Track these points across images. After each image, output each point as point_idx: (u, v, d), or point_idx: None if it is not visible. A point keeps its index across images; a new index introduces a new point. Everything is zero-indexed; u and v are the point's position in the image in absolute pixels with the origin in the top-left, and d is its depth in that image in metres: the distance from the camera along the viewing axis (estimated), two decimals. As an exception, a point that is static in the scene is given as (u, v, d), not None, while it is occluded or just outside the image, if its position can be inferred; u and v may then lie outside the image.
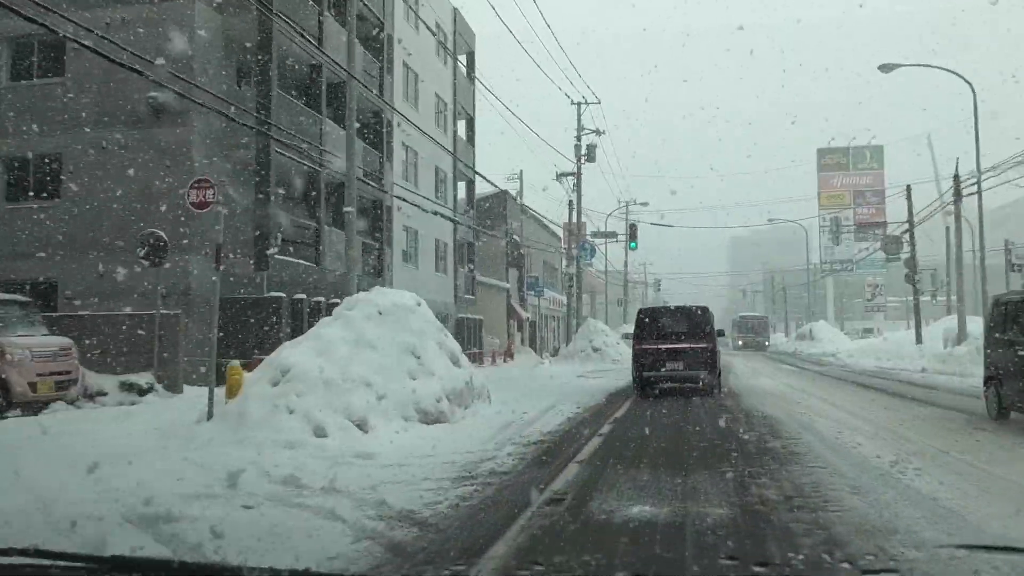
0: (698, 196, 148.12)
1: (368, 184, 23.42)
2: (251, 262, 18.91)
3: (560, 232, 49.14)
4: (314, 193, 21.87)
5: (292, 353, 10.56)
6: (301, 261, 20.49)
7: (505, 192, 40.32)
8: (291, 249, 20.29)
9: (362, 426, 9.56)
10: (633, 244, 43.58)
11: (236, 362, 11.29)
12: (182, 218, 17.71)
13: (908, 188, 36.75)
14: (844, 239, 60.53)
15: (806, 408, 13.78)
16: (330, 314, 12.74)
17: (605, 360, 31.11)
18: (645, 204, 56.45)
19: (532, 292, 42.46)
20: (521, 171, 47.79)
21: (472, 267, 37.67)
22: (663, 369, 16.83)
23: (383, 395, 11.15)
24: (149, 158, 18.03)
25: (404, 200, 25.34)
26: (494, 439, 10.37)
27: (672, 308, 19.26)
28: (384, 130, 26.13)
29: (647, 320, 17.80)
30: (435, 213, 25.29)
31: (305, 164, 20.65)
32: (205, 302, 18.24)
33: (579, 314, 40.69)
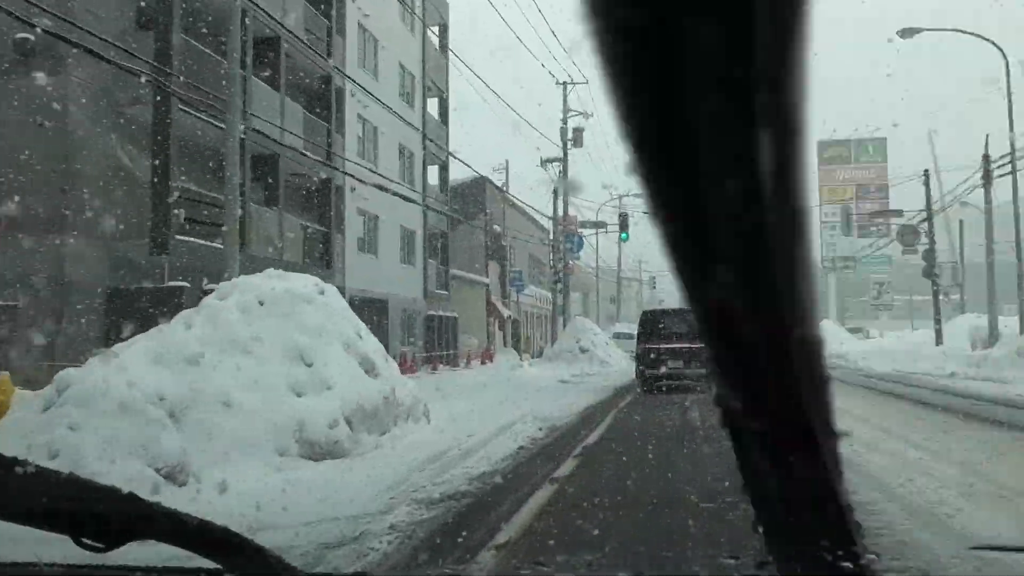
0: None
1: (308, 157, 19.95)
2: (146, 244, 15.41)
3: (547, 224, 45.83)
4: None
5: (101, 361, 7.17)
6: (216, 245, 17.01)
7: (484, 178, 36.90)
8: (203, 230, 16.80)
9: (175, 477, 6.15)
10: (624, 235, 40.31)
11: (5, 374, 7.86)
12: (59, 189, 14.32)
13: (926, 172, 33.59)
14: (853, 230, 57.33)
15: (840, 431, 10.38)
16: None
17: (593, 362, 28.71)
18: (640, 195, 53.18)
19: (514, 287, 39.04)
20: (507, 160, 44.56)
21: (444, 259, 34.25)
22: (664, 367, 17.93)
23: (247, 421, 7.83)
24: (16, 116, 14.51)
25: (358, 179, 21.94)
26: (396, 488, 7.04)
27: (673, 311, 20.68)
28: (334, 98, 22.66)
29: (650, 322, 19.54)
30: (385, 190, 21.85)
31: (222, 128, 17.14)
32: (87, 292, 14.84)
33: (566, 312, 37.40)
